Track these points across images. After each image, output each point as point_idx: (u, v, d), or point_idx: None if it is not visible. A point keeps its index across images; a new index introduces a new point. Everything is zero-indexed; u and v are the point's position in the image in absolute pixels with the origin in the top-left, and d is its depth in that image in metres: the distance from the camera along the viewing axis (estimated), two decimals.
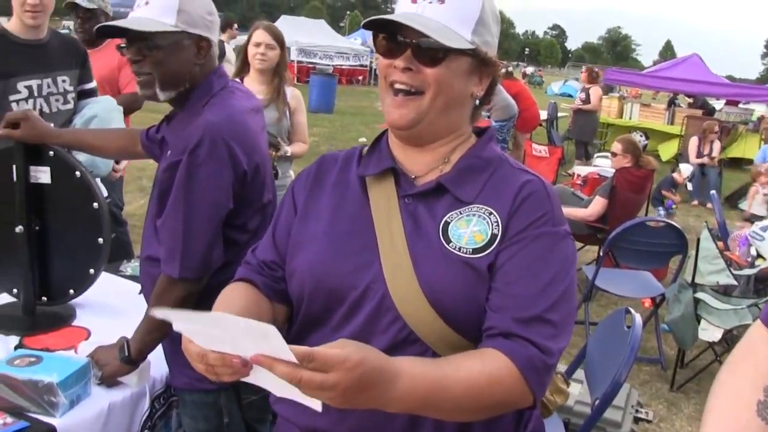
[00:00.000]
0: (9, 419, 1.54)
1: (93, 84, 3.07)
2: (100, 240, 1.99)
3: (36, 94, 2.74)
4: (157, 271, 1.79)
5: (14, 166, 1.96)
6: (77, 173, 1.97)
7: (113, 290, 2.34)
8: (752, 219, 6.83)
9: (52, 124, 2.06)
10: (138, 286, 2.14)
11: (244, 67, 3.62)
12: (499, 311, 1.13)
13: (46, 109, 2.75)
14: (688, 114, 13.30)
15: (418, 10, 1.18)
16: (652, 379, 4.14)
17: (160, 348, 1.83)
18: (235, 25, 10.07)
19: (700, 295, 3.87)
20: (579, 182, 6.89)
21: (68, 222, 2.02)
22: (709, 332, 3.81)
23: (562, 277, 1.16)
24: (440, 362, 1.07)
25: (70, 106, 2.88)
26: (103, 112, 2.85)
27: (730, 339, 3.90)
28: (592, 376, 2.37)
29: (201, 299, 1.71)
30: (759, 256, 4.46)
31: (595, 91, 10.97)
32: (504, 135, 8.84)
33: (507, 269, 1.15)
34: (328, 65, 23.80)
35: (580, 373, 2.53)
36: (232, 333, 0.92)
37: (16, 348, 1.87)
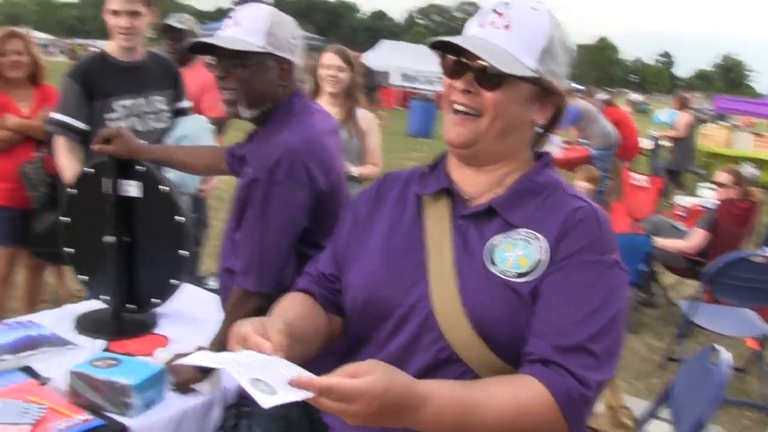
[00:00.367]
0: (89, 416, 1.63)
1: (187, 103, 3.22)
2: (183, 253, 2.09)
3: (131, 113, 2.89)
4: (233, 283, 1.86)
5: (106, 180, 2.08)
6: (164, 188, 2.08)
7: (195, 301, 2.44)
8: None
9: (144, 141, 2.19)
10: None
11: (316, 89, 3.72)
12: (539, 337, 1.12)
13: (140, 127, 2.90)
14: None
15: (484, 35, 1.20)
16: (756, 426, 3.85)
17: None
18: None
19: None
20: (681, 213, 6.59)
21: (154, 234, 2.13)
22: None
23: (608, 307, 1.13)
24: (472, 386, 1.08)
25: (164, 124, 3.02)
26: (193, 131, 2.98)
27: None
28: (677, 415, 2.25)
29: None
30: None
31: (683, 117, 10.51)
32: (605, 164, 8.58)
33: (550, 295, 1.14)
34: (430, 90, 24.02)
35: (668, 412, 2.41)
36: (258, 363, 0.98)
37: (104, 351, 1.98)
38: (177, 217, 2.07)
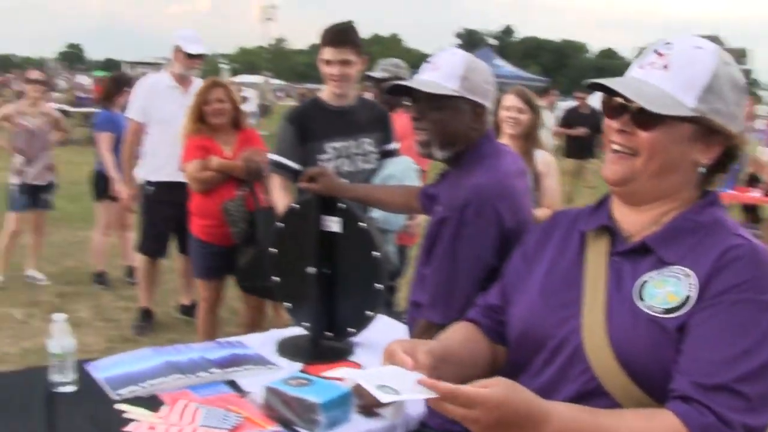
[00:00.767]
0: (279, 428, 1.79)
1: (395, 145, 3.37)
2: (378, 286, 2.20)
3: (341, 154, 3.10)
4: (419, 316, 1.93)
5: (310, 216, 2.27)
6: (362, 225, 2.22)
7: (389, 332, 2.52)
8: None
9: (346, 180, 2.36)
10: None
11: (496, 130, 3.70)
12: (683, 374, 1.09)
13: (349, 167, 3.09)
14: None
15: (642, 76, 1.21)
16: None
17: None
18: (555, 91, 10.35)
19: None
20: None
21: (352, 267, 2.28)
22: None
23: (762, 348, 1.06)
24: (599, 413, 1.08)
25: (372, 165, 3.19)
26: (400, 172, 3.12)
27: None
28: None
29: None
30: None
31: None
32: None
33: (698, 332, 1.10)
34: None
35: None
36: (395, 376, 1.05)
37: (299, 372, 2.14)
38: (374, 252, 2.20)
